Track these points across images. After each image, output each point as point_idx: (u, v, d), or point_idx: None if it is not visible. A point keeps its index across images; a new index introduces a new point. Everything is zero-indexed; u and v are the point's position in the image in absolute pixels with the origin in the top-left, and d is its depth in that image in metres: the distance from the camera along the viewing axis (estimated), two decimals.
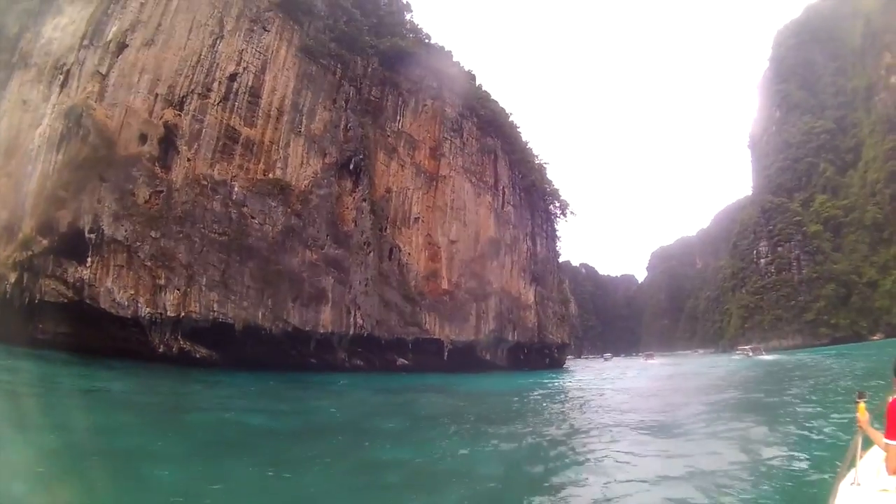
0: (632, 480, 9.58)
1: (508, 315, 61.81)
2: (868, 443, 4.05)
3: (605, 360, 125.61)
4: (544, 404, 23.95)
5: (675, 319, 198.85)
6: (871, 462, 4.06)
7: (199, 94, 35.73)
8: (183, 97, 34.99)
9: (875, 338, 78.06)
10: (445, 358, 51.41)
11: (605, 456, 11.77)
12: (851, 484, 3.70)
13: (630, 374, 51.41)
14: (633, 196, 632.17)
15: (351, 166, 45.95)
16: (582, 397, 27.64)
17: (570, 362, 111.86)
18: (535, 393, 30.40)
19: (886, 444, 3.54)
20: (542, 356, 69.61)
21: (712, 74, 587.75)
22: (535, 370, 61.64)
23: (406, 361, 48.96)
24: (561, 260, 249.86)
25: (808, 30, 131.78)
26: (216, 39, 37.34)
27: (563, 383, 40.17)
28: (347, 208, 45.17)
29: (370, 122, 50.71)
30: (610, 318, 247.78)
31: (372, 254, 45.45)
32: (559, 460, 12.12)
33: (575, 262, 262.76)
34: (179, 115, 34.57)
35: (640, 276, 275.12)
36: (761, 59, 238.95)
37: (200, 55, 36.44)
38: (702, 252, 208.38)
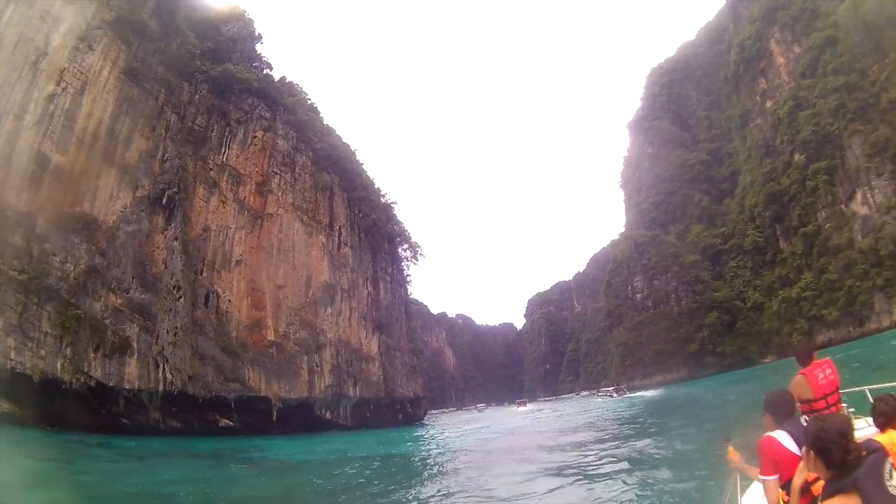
0: None
1: (348, 368, 68.48)
2: (748, 480, 5.17)
3: (479, 410, 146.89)
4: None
5: (557, 364, 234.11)
6: (752, 497, 5.19)
7: (15, 115, 40.48)
8: None
9: (767, 360, 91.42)
10: (275, 418, 56.07)
11: None
12: None
13: (483, 427, 60.10)
14: (509, 245, 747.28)
15: (164, 201, 50.85)
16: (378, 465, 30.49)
17: (444, 416, 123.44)
18: (321, 461, 33.53)
19: (763, 479, 4.30)
20: (393, 412, 76.94)
21: (584, 123, 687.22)
22: (386, 427, 67.98)
23: (231, 422, 52.79)
24: (437, 311, 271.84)
25: (683, 67, 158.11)
26: (40, 56, 42.59)
27: (384, 446, 44.10)
28: (158, 248, 49.90)
29: (191, 152, 56.50)
30: (491, 368, 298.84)
31: (183, 299, 49.23)
32: None
33: (451, 314, 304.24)
34: None
35: (520, 323, 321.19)
36: (633, 101, 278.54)
37: (22, 72, 41.42)
38: (580, 295, 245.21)
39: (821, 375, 6.10)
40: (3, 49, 40.84)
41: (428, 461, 30.74)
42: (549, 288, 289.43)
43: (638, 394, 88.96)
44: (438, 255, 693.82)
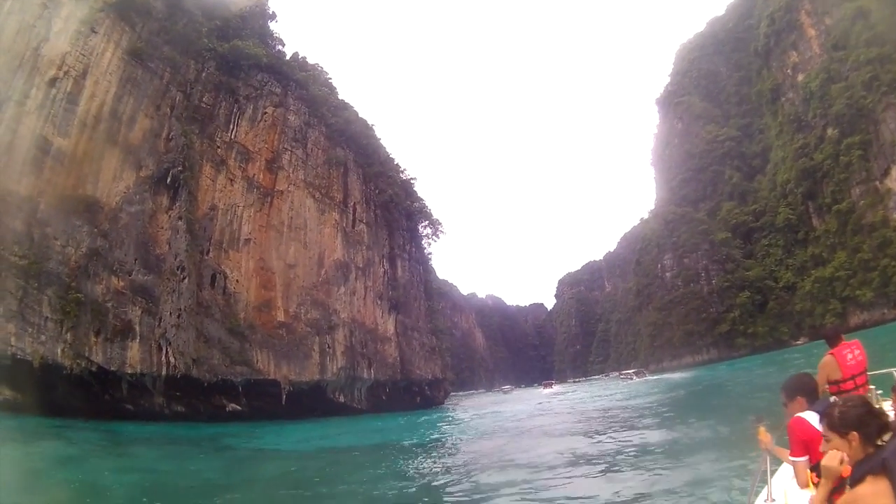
0: None
1: (362, 349, 68.94)
2: (777, 461, 5.31)
3: (504, 392, 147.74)
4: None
5: (588, 344, 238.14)
6: (781, 479, 5.33)
7: (17, 102, 42.08)
8: (0, 104, 41.21)
9: (799, 342, 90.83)
10: (283, 402, 56.63)
11: None
12: (765, 501, 4.86)
13: (503, 410, 59.59)
14: (539, 225, 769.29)
15: (168, 180, 51.77)
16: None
17: (467, 399, 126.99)
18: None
19: (793, 461, 4.52)
20: (410, 395, 77.66)
21: (616, 101, 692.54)
22: (402, 411, 68.19)
23: (238, 407, 53.72)
24: (466, 292, 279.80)
25: (712, 42, 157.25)
26: (41, 42, 44.13)
27: (383, 433, 43.17)
28: (162, 228, 50.95)
29: (197, 130, 57.42)
30: (521, 348, 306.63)
31: (187, 280, 50.17)
32: None
33: (482, 294, 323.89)
34: None
35: (550, 304, 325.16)
36: (663, 77, 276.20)
37: (23, 59, 42.99)
38: (610, 275, 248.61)
39: (849, 356, 6.50)
40: (4, 36, 42.33)
41: (414, 452, 30.54)
42: (579, 268, 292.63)
43: (664, 376, 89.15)
44: (469, 235, 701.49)
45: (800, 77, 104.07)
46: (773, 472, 5.24)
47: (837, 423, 3.20)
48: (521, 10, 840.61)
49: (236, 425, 48.27)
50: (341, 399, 65.21)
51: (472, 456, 26.62)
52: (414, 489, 19.12)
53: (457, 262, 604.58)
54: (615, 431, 28.07)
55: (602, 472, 17.34)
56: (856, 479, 2.99)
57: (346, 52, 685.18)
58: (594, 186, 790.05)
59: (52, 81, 44.64)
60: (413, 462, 26.59)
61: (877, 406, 3.43)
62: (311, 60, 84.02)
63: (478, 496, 16.49)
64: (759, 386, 38.23)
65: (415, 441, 36.40)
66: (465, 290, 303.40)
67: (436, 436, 39.95)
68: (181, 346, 47.94)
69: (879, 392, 7.15)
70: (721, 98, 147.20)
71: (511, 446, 28.29)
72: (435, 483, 19.95)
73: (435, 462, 26.33)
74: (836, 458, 3.15)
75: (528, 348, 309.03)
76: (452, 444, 33.76)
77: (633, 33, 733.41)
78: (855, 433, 3.10)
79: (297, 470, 25.80)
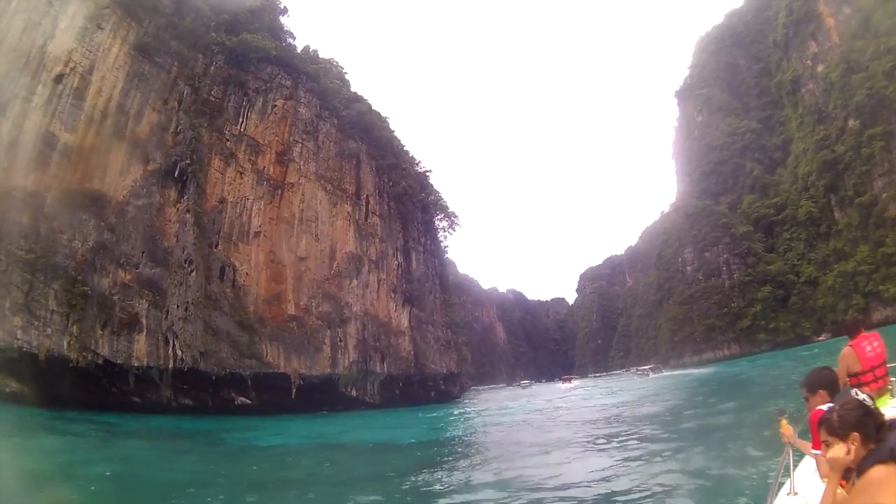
0: None
1: (374, 343, 69.04)
2: (800, 454, 5.43)
3: (523, 387, 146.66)
4: None
5: (609, 339, 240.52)
6: (804, 472, 5.38)
7: (23, 98, 42.89)
8: (6, 102, 42.04)
9: (821, 338, 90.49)
10: (293, 395, 56.68)
11: None
12: (788, 494, 4.87)
13: (518, 405, 60.34)
14: (561, 220, 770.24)
15: (176, 173, 52.34)
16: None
17: (484, 393, 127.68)
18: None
19: (815, 454, 4.61)
20: (425, 389, 77.61)
21: (636, 94, 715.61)
22: (417, 406, 68.22)
23: (248, 400, 53.97)
24: (487, 287, 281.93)
25: (730, 34, 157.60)
26: (47, 39, 44.92)
27: (387, 430, 42.29)
28: (170, 221, 51.52)
29: (206, 124, 57.96)
30: (542, 343, 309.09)
31: (195, 273, 50.54)
32: None
33: (502, 289, 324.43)
34: (0, 121, 41.47)
35: (571, 298, 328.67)
36: (682, 70, 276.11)
37: (29, 56, 43.79)
38: (631, 270, 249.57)
39: (868, 348, 6.53)
40: (10, 35, 43.08)
41: (413, 451, 29.88)
42: (600, 262, 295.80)
43: (681, 372, 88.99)
44: (490, 230, 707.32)
45: (820, 68, 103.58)
46: (795, 466, 5.32)
47: (837, 427, 3.28)
48: (543, 1, 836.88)
49: (244, 419, 48.44)
50: (353, 393, 65.18)
51: (472, 455, 26.50)
52: (386, 491, 18.32)
53: (478, 256, 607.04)
54: (629, 427, 28.03)
55: (616, 464, 17.29)
56: (863, 470, 3.05)
57: (366, 47, 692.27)
58: (615, 180, 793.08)
59: (59, 78, 45.33)
60: (408, 461, 25.85)
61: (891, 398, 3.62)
62: (327, 55, 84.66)
63: (469, 497, 16.30)
64: (780, 382, 37.62)
65: (418, 438, 35.85)
66: (486, 285, 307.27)
67: (441, 433, 39.68)
68: (188, 339, 48.30)
69: None
70: (741, 90, 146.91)
71: (513, 446, 27.96)
72: (417, 486, 19.07)
73: (428, 462, 25.55)
74: (842, 448, 3.23)
75: (550, 343, 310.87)
76: (455, 442, 33.62)
77: (653, 26, 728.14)
78: (856, 434, 3.18)
79: (287, 467, 25.51)
